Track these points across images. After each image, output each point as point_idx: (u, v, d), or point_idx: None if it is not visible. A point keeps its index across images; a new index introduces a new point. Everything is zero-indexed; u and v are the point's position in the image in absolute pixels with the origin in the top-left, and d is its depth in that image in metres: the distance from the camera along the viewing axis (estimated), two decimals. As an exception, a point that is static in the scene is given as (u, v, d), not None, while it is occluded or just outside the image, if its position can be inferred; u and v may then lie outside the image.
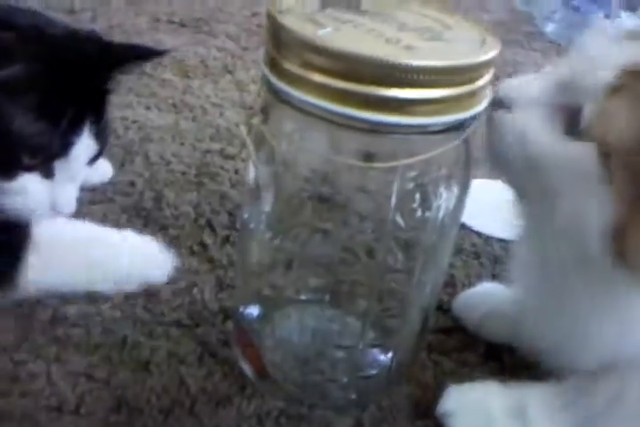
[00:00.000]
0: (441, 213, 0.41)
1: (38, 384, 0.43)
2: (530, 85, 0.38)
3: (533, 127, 0.37)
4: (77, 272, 0.49)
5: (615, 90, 0.34)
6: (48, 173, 0.47)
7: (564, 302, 0.39)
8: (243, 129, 0.40)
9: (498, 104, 0.38)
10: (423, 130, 0.35)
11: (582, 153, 0.35)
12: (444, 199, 0.40)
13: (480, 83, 0.35)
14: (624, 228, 0.33)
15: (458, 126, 0.36)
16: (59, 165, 0.47)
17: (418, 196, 0.40)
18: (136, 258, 0.53)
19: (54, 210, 0.48)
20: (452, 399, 0.43)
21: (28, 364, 0.44)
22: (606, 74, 0.34)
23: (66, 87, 0.46)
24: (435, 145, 0.37)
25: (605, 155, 0.34)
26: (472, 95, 0.35)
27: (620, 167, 0.33)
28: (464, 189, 0.41)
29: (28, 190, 0.46)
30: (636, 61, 0.34)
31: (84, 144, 0.48)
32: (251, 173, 0.42)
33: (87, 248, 0.50)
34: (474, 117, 0.36)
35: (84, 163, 0.50)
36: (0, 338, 0.46)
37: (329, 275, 0.47)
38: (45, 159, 0.47)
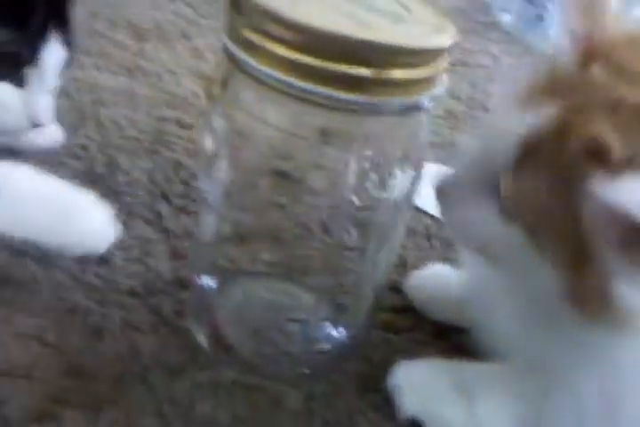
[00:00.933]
0: (395, 194, 0.42)
1: (-12, 347, 0.42)
2: (458, 171, 0.40)
3: (472, 213, 0.39)
4: (33, 223, 0.48)
5: (519, 161, 0.35)
6: (20, 82, 0.48)
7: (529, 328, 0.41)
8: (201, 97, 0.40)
9: (439, 195, 0.41)
10: (378, 109, 0.36)
11: (514, 229, 0.36)
12: (399, 180, 0.41)
13: (436, 67, 0.36)
14: (572, 287, 0.35)
15: (412, 109, 0.37)
16: (30, 74, 0.49)
17: (373, 175, 0.41)
18: (88, 225, 0.51)
19: (31, 121, 0.50)
20: (401, 374, 0.45)
21: (-23, 326, 0.43)
22: (510, 144, 0.36)
23: None
24: (389, 126, 0.38)
25: (527, 227, 0.36)
26: (428, 79, 0.36)
27: (543, 236, 0.35)
28: (418, 170, 0.42)
29: (3, 101, 0.48)
30: (531, 130, 0.35)
31: (53, 51, 0.50)
32: (206, 143, 0.42)
33: (48, 203, 0.49)
34: (428, 101, 0.37)
35: (55, 71, 0.51)
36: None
37: (284, 249, 0.47)
38: (15, 68, 0.48)
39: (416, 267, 0.56)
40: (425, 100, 0.37)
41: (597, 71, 0.35)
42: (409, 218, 0.47)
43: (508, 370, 0.44)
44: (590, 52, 0.36)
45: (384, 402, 0.44)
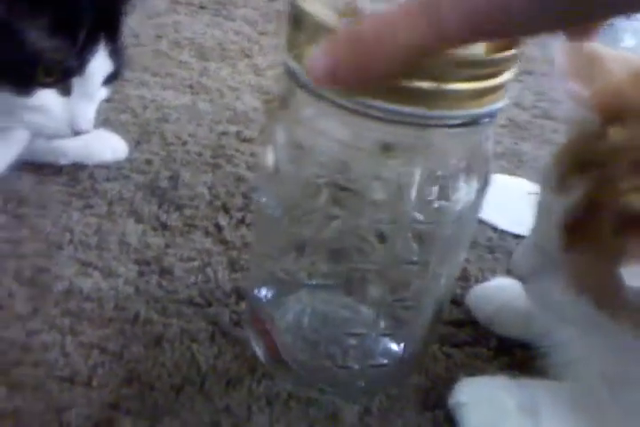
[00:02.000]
0: (459, 207, 0.41)
1: (51, 355, 0.43)
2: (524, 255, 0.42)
3: (547, 288, 0.40)
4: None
5: (568, 242, 0.36)
6: (65, 91, 0.50)
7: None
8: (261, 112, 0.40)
9: (516, 272, 0.43)
10: (442, 122, 0.35)
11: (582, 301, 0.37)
12: (464, 192, 0.40)
13: (501, 79, 0.35)
14: None
15: (476, 121, 0.36)
16: (76, 83, 0.50)
17: (436, 188, 0.40)
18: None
19: (72, 127, 0.51)
20: (465, 391, 0.43)
21: (42, 334, 0.44)
22: (556, 228, 0.37)
23: (80, 6, 0.47)
24: (453, 138, 0.37)
25: (592, 301, 0.36)
26: (492, 91, 0.35)
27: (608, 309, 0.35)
28: (484, 183, 0.40)
29: (47, 107, 0.49)
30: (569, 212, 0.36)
31: (100, 62, 0.51)
32: (268, 157, 0.42)
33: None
34: (493, 113, 0.36)
35: (100, 82, 0.52)
36: (14, 308, 0.46)
37: (342, 262, 0.47)
38: (62, 76, 0.49)
39: (478, 280, 0.54)
40: (490, 111, 0.36)
41: (615, 134, 0.34)
42: (473, 231, 0.46)
43: (574, 388, 0.42)
44: (606, 112, 0.35)
45: (445, 419, 0.43)
